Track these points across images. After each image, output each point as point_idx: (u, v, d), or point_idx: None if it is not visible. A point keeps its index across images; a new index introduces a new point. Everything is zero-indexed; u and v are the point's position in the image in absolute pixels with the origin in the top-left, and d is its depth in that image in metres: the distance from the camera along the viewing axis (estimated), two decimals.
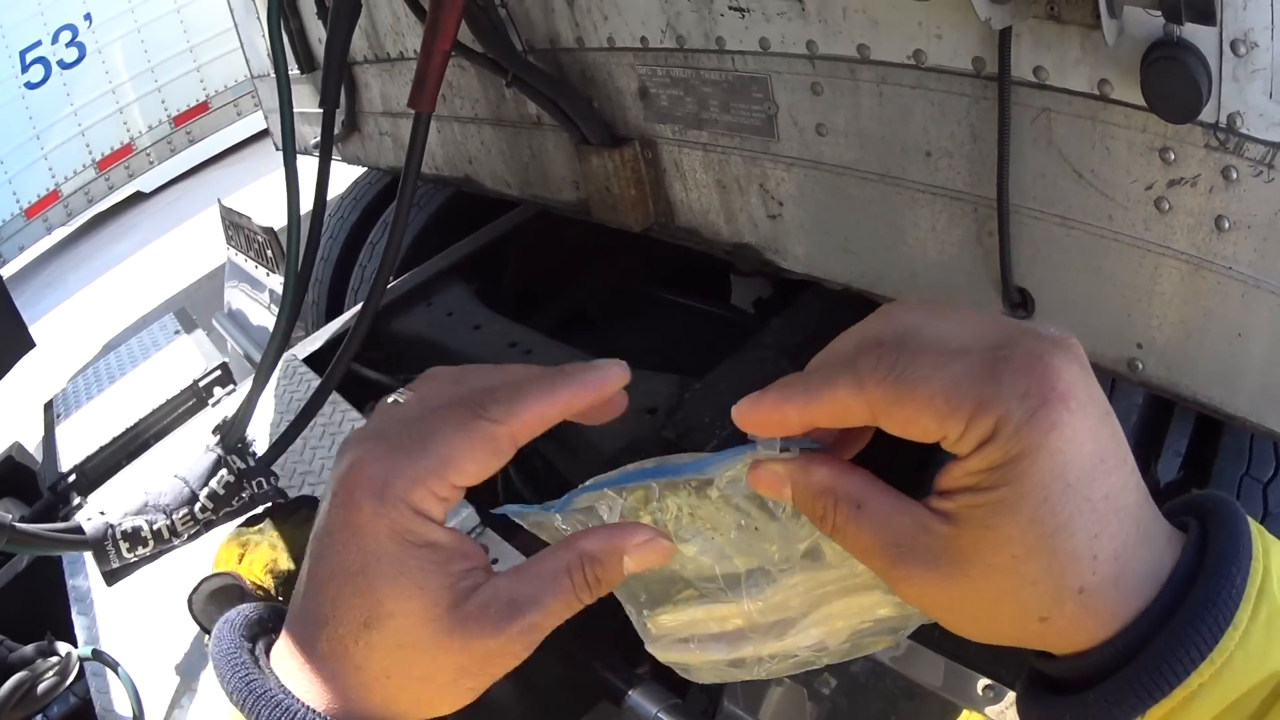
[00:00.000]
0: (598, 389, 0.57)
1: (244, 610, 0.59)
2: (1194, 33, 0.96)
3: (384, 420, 0.55)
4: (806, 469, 0.53)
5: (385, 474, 0.51)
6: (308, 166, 1.94)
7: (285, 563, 1.64)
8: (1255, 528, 0.48)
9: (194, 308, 3.82)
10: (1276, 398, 1.13)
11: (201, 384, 2.70)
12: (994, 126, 1.21)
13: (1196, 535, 0.48)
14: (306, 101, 3.12)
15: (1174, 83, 0.96)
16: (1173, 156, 1.06)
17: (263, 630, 0.58)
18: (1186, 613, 0.45)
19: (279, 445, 1.82)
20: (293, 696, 0.51)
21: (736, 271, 3.42)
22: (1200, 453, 1.70)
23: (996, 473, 0.45)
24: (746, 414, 0.53)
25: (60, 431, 2.82)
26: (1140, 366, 1.24)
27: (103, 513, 1.68)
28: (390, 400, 0.57)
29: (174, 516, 1.68)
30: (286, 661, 0.54)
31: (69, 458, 2.57)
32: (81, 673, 1.71)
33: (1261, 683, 0.44)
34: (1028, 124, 1.19)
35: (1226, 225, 1.06)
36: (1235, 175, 1.02)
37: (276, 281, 3.94)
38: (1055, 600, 0.46)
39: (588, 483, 0.60)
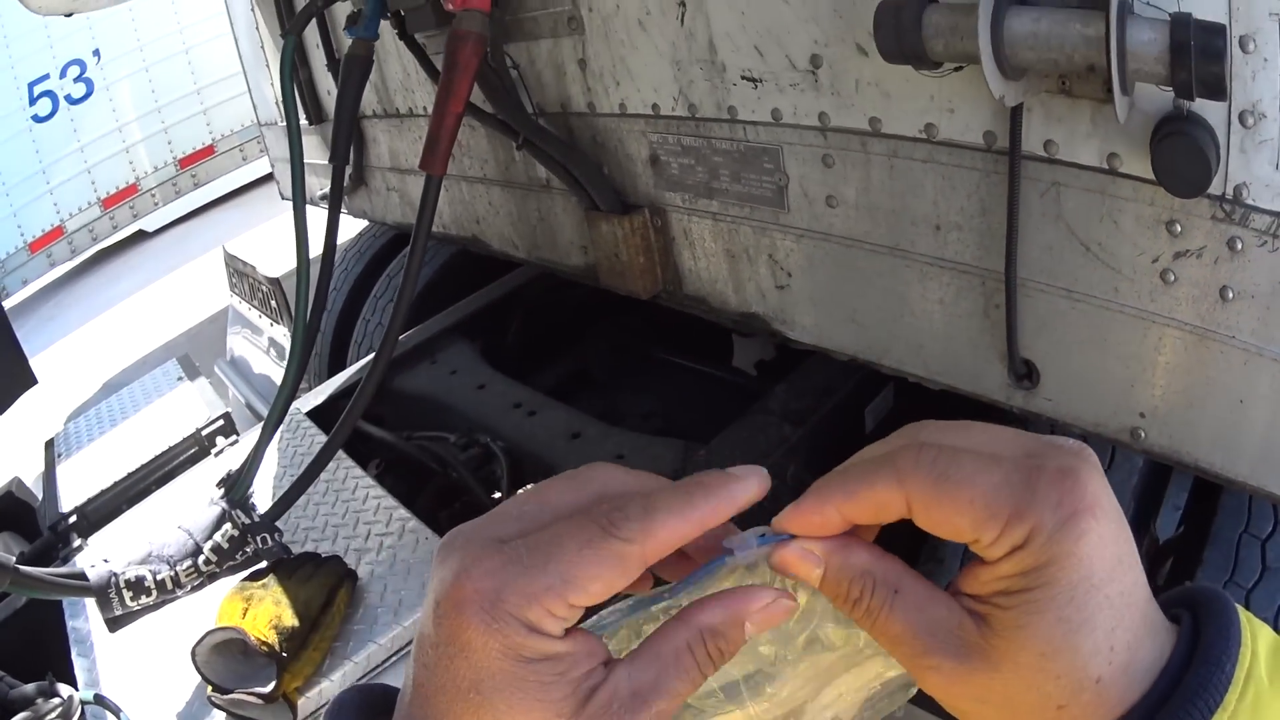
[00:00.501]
0: (735, 503, 0.55)
1: (356, 693, 0.57)
2: (1203, 105, 1.00)
3: (501, 523, 0.52)
4: (846, 550, 0.54)
5: (497, 588, 0.48)
6: (314, 216, 1.97)
7: (289, 619, 1.65)
8: (1244, 615, 0.50)
9: (196, 350, 3.85)
10: (1277, 461, 1.16)
11: (204, 433, 2.72)
12: (1004, 200, 1.25)
13: (1189, 626, 0.50)
14: (314, 152, 3.16)
15: (1184, 158, 1.00)
16: (1179, 229, 1.11)
17: (375, 714, 0.56)
18: (1181, 697, 0.47)
19: (284, 501, 1.85)
20: None
21: (739, 332, 3.46)
22: (1200, 510, 1.74)
23: (1029, 576, 0.48)
24: (790, 521, 0.55)
25: (61, 471, 2.82)
26: (1143, 435, 1.27)
27: (106, 560, 1.70)
28: (515, 496, 0.55)
29: (178, 568, 1.70)
30: None
31: (69, 497, 2.57)
32: (83, 716, 1.71)
33: None
34: (1037, 198, 1.23)
35: (1230, 295, 1.10)
36: (1240, 246, 1.06)
37: (279, 331, 3.97)
38: (1075, 690, 0.48)
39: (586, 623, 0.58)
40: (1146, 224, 1.14)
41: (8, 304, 8.18)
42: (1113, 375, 1.27)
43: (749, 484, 0.55)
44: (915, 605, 0.52)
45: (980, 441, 0.52)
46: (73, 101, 8.81)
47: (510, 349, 3.17)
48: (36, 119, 8.61)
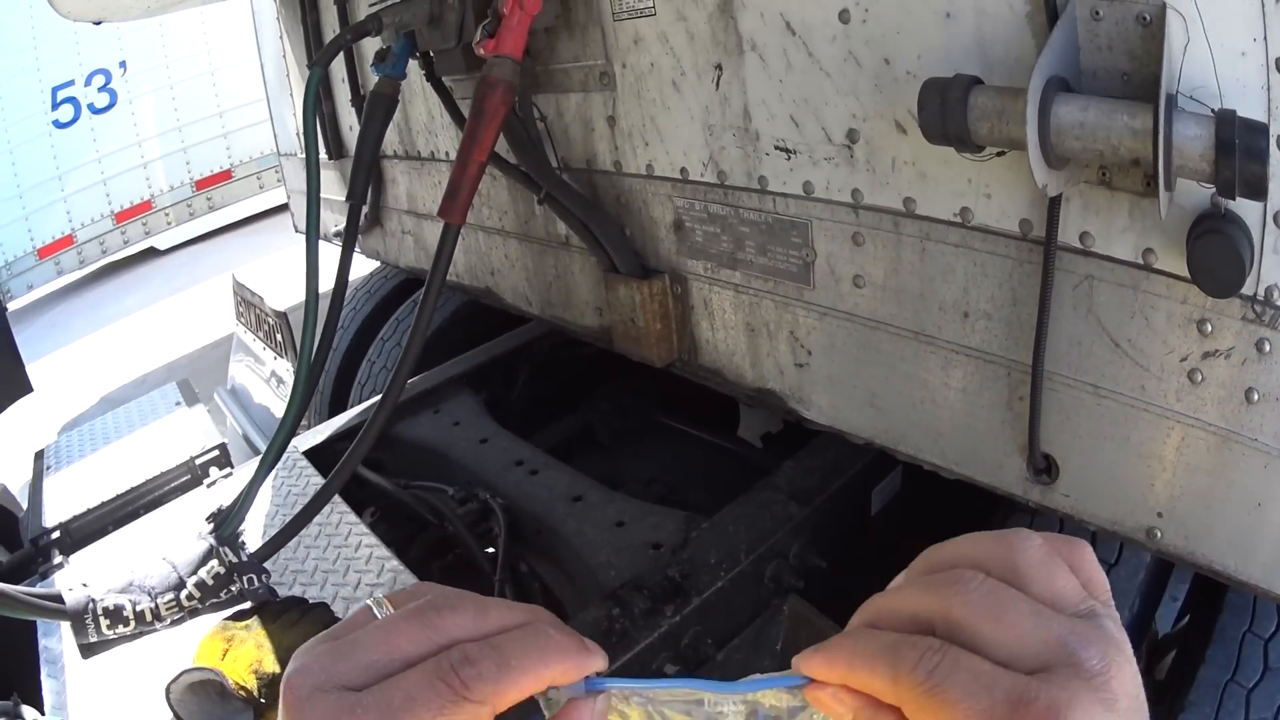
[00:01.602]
0: (583, 671, 0.59)
1: None
2: (1239, 205, 1.02)
3: (349, 668, 0.54)
4: (878, 706, 0.57)
5: None
6: (325, 253, 1.97)
7: (270, 665, 1.63)
8: None
9: (197, 375, 3.86)
10: None
11: (198, 462, 2.72)
12: (1035, 290, 1.26)
13: None
14: (331, 188, 3.19)
15: (1220, 257, 1.01)
16: (1209, 328, 1.12)
17: None
18: None
19: (275, 542, 1.84)
20: None
21: (746, 403, 3.45)
22: (1204, 608, 1.73)
23: None
24: (808, 662, 0.59)
25: (49, 483, 2.82)
26: (1159, 535, 1.27)
27: (85, 585, 1.68)
28: (357, 617, 0.57)
29: (159, 600, 1.69)
30: None
31: (54, 512, 2.57)
32: None
33: None
34: (1069, 290, 1.24)
35: (1256, 397, 1.11)
36: (1268, 348, 1.07)
37: (283, 365, 3.98)
38: None
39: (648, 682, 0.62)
40: (1178, 322, 1.14)
41: (11, 307, 8.27)
42: (1133, 474, 1.27)
43: (597, 659, 0.59)
44: None
45: (1001, 635, 0.54)
46: (95, 111, 8.96)
47: (515, 404, 3.19)
48: (58, 124, 8.77)
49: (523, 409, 3.17)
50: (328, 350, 2.04)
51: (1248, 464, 1.14)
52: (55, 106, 8.72)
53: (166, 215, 9.66)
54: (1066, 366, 1.29)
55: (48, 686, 1.87)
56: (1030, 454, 1.37)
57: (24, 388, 2.53)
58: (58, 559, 2.33)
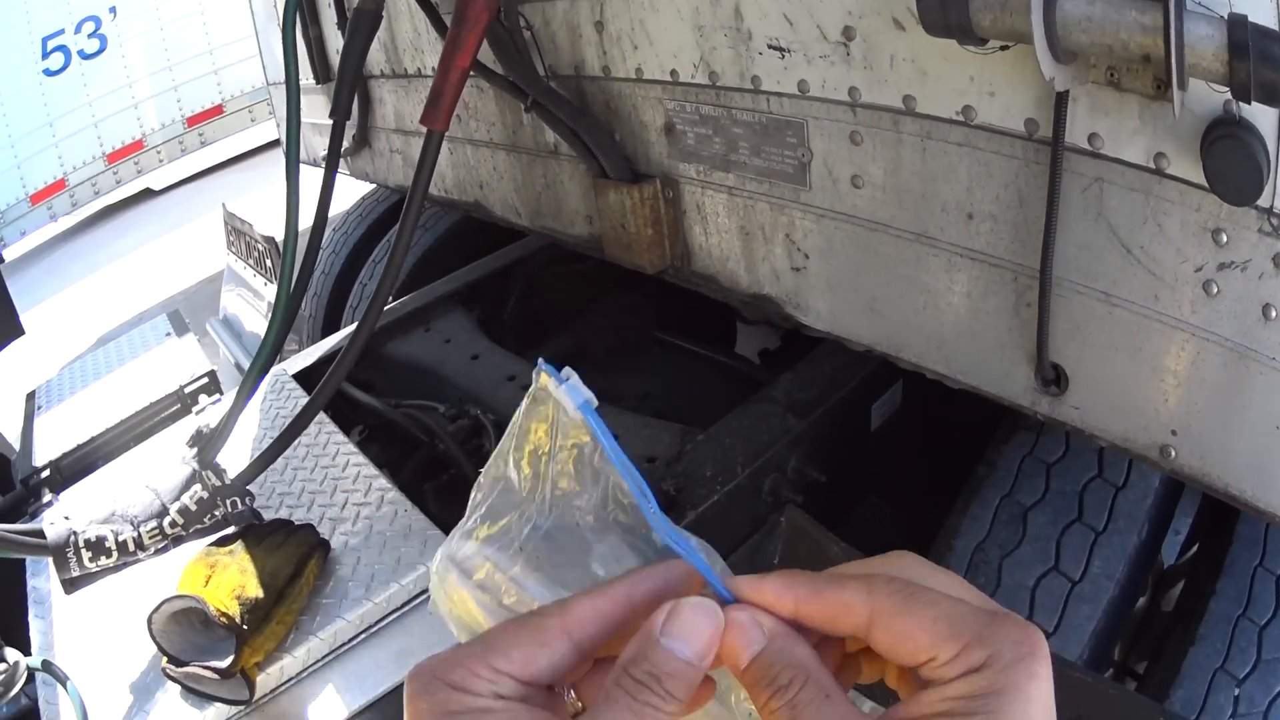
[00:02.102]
0: (661, 581, 0.57)
1: None
2: (1254, 113, 0.96)
3: None
4: (792, 636, 0.55)
5: (432, 665, 0.52)
6: (316, 179, 1.92)
7: (253, 589, 1.61)
8: None
9: (192, 310, 3.82)
10: None
11: (187, 390, 2.68)
12: (1043, 192, 1.20)
13: None
14: (318, 112, 3.13)
15: (1237, 163, 0.97)
16: (1225, 239, 1.06)
17: None
18: None
19: (258, 464, 1.79)
20: None
21: (743, 319, 3.41)
22: (1212, 539, 1.70)
23: (976, 701, 0.48)
24: (747, 587, 0.56)
25: (40, 423, 2.80)
26: (1173, 454, 1.23)
27: (67, 518, 1.64)
28: None
29: (141, 529, 1.65)
30: None
31: (45, 451, 2.55)
32: (31, 679, 1.69)
33: None
34: (1078, 193, 1.18)
35: (1274, 314, 1.06)
36: None
37: (274, 291, 3.93)
38: None
39: None
40: (1192, 230, 1.09)
41: (6, 256, 8.38)
42: (1146, 387, 1.22)
43: (679, 569, 0.58)
44: (843, 714, 0.52)
45: (947, 585, 0.55)
46: (85, 57, 9.04)
47: (508, 322, 3.15)
48: (48, 73, 8.86)
49: (516, 327, 3.13)
50: (312, 268, 1.98)
51: (1266, 383, 1.09)
52: (45, 55, 8.74)
53: (158, 153, 9.66)
54: (1076, 272, 1.24)
55: (35, 627, 1.87)
56: (1039, 363, 1.32)
57: (15, 330, 2.49)
58: (48, 498, 2.33)
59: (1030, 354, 1.34)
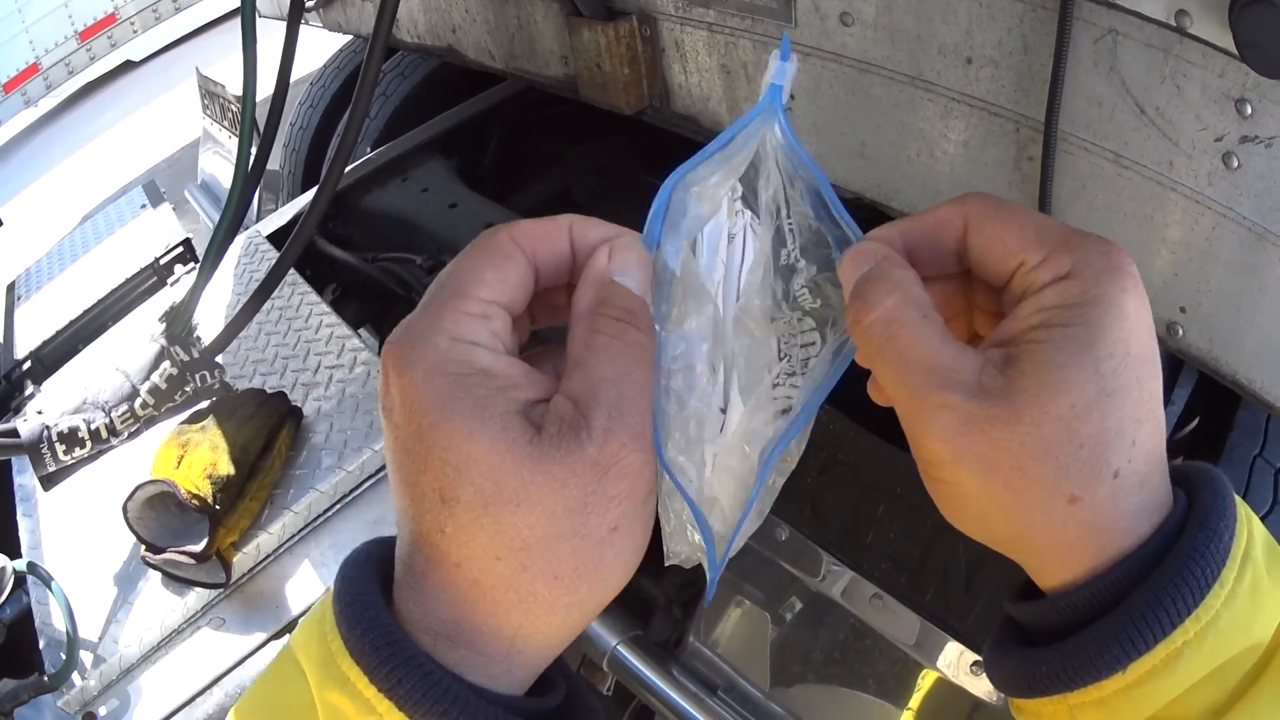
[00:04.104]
0: (604, 230, 0.55)
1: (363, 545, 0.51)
2: None
3: None
4: (895, 262, 0.52)
5: (409, 326, 0.47)
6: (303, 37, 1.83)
7: (225, 466, 1.59)
8: (1239, 501, 0.49)
9: (175, 177, 3.72)
10: None
11: (162, 261, 2.61)
12: (1049, 40, 1.12)
13: (1184, 498, 0.49)
14: None
15: (1270, 30, 0.88)
16: (1249, 110, 0.98)
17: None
18: (1172, 563, 0.45)
19: (227, 332, 1.74)
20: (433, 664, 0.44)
21: None
22: (1213, 418, 1.68)
23: (1071, 311, 0.46)
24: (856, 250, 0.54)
25: (20, 314, 2.75)
26: (1180, 332, 1.18)
27: (40, 412, 1.63)
28: None
29: (113, 414, 1.62)
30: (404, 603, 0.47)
31: (27, 343, 2.51)
32: (20, 584, 1.69)
33: (1243, 653, 0.45)
34: (1089, 44, 1.10)
35: None
36: None
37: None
38: (1091, 478, 0.46)
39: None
40: (1214, 97, 1.00)
41: None
42: (1155, 258, 1.16)
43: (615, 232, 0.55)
44: (940, 334, 0.49)
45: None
46: None
47: (488, 169, 3.06)
48: None
49: (496, 173, 3.05)
50: (278, 120, 1.87)
51: None
52: None
53: (132, 24, 9.32)
54: (1084, 129, 1.16)
55: (23, 525, 1.88)
56: None
57: None
58: (30, 390, 2.32)
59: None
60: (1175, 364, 1.63)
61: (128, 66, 9.87)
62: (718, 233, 0.58)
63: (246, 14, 1.78)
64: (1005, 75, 1.22)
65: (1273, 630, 0.46)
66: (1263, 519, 1.52)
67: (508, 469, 0.43)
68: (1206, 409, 1.67)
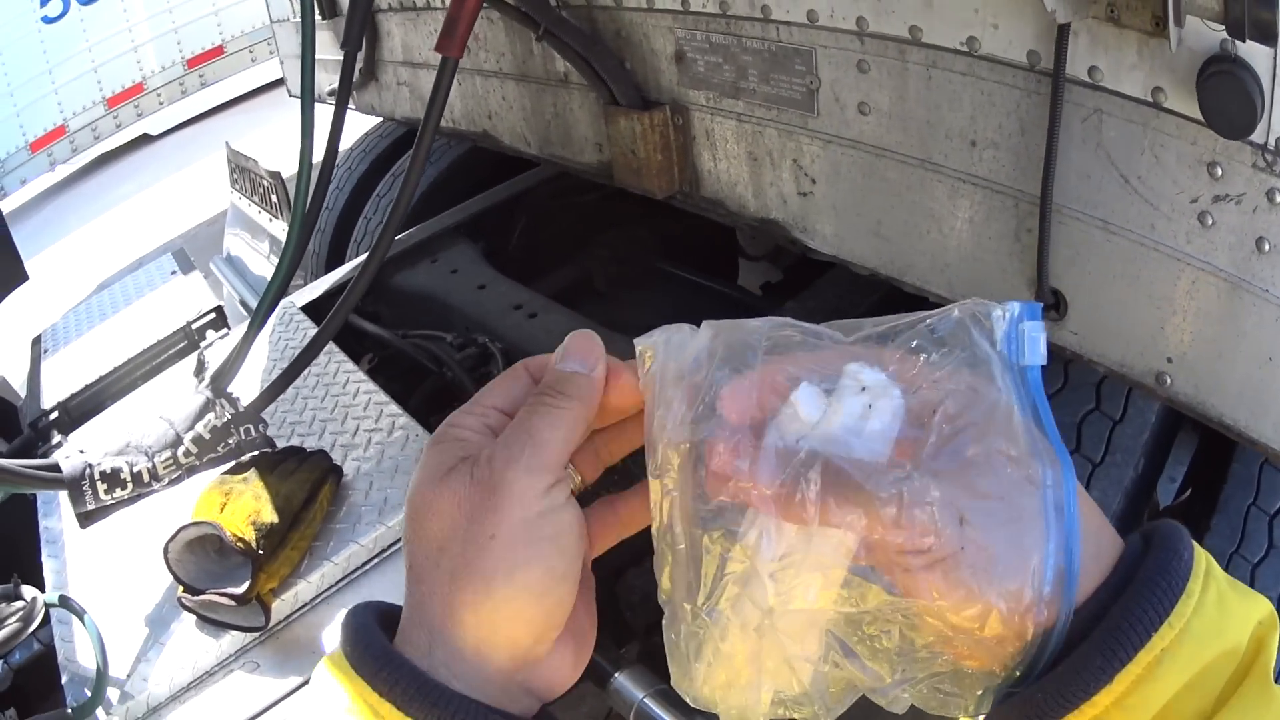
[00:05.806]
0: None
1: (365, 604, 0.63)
2: (1250, 52, 1.02)
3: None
4: None
5: (445, 422, 0.63)
6: (323, 117, 1.96)
7: (268, 515, 1.66)
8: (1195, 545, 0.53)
9: (194, 251, 3.84)
10: None
11: (194, 326, 2.72)
12: (1043, 122, 1.26)
13: (1138, 536, 0.54)
14: (324, 48, 3.14)
15: (1230, 98, 1.02)
16: (1220, 172, 1.12)
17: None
18: (1143, 579, 0.50)
19: (271, 392, 1.85)
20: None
21: (744, 255, 3.48)
22: (1207, 480, 1.76)
23: None
24: None
25: (46, 367, 2.84)
26: (1168, 381, 1.29)
27: (82, 451, 1.67)
28: None
29: (156, 459, 1.68)
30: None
31: (53, 394, 2.58)
32: (46, 619, 1.73)
33: (1220, 659, 0.48)
34: (1078, 123, 1.24)
35: (1267, 247, 1.12)
36: (1279, 198, 1.08)
37: (279, 228, 3.97)
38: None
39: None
40: (1188, 163, 1.15)
41: (6, 205, 8.37)
42: (1142, 315, 1.29)
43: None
44: None
45: None
46: (84, 2, 8.88)
47: (513, 252, 3.19)
48: (46, 20, 8.68)
49: (521, 258, 3.17)
50: (322, 201, 2.02)
51: (1259, 315, 1.16)
52: (44, 3, 8.59)
53: (159, 96, 9.53)
54: (1076, 200, 1.30)
55: (48, 566, 1.92)
56: (1039, 288, 1.39)
57: (20, 276, 2.53)
58: (56, 439, 2.37)
59: (1031, 279, 1.40)
60: (1171, 429, 1.73)
61: (144, 140, 10.04)
62: None
63: (305, 95, 1.94)
64: (1005, 155, 1.37)
65: (1245, 638, 0.49)
66: (1258, 565, 1.62)
67: (430, 488, 0.57)
68: (1199, 470, 1.76)
